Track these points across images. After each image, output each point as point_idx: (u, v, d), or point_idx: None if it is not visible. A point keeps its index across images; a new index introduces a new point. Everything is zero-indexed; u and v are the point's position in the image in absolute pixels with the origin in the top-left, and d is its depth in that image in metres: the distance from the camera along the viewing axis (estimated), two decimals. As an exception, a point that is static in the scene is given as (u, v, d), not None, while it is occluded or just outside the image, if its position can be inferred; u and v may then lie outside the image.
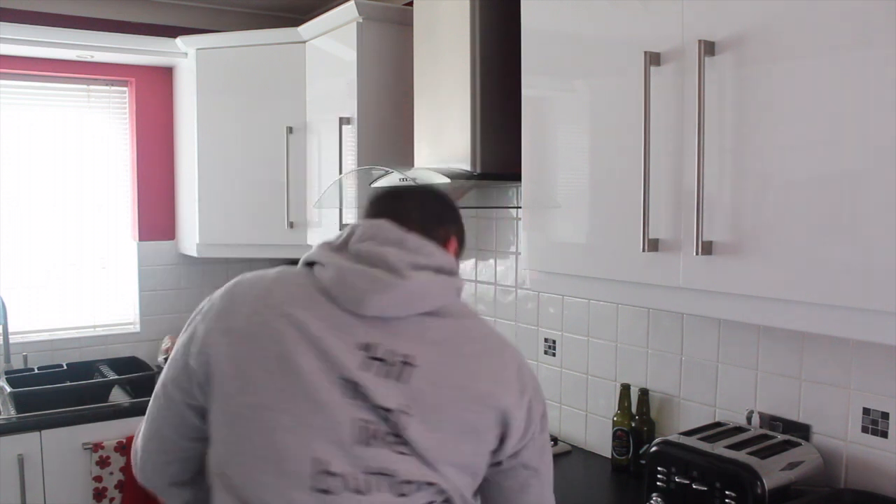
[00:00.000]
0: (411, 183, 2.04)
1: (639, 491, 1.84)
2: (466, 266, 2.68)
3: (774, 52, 1.26)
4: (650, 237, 1.47)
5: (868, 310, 1.16)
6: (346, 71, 2.60)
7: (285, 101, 2.91)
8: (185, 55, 3.14)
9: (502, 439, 1.14)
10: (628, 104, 1.51)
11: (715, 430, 1.70)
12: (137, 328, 3.43)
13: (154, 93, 3.40)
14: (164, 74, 3.40)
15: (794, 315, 1.27)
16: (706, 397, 1.88)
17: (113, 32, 3.13)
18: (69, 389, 2.82)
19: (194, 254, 3.19)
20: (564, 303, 2.30)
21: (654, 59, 1.44)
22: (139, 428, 1.29)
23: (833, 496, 1.52)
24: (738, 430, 1.70)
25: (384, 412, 1.05)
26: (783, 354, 1.71)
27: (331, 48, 2.73)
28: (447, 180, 2.03)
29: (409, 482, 1.06)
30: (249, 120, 3.00)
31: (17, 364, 3.08)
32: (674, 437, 1.67)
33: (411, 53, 2.36)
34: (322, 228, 2.82)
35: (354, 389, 1.06)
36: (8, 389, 2.76)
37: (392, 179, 2.21)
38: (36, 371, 3.03)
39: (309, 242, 2.91)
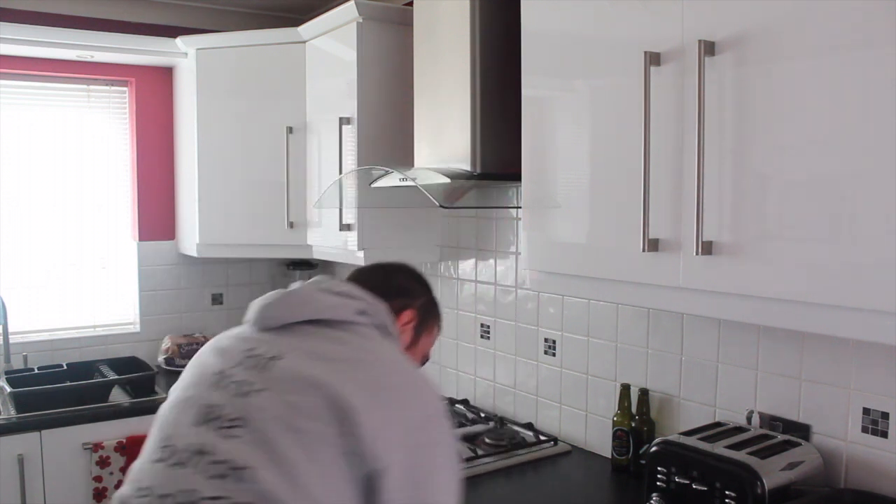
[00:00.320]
0: (411, 183, 2.04)
1: (639, 491, 1.84)
2: (466, 266, 2.69)
3: (774, 52, 1.26)
4: (650, 237, 1.47)
5: (868, 310, 1.16)
6: (346, 71, 2.60)
7: (285, 101, 2.91)
8: (185, 55, 3.14)
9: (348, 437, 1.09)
10: (628, 104, 1.51)
11: (715, 430, 1.70)
12: (137, 328, 3.43)
13: (154, 93, 3.40)
14: (164, 74, 3.40)
15: (794, 315, 1.27)
16: (706, 397, 1.88)
17: (113, 32, 3.13)
18: (69, 389, 2.82)
19: (194, 254, 3.18)
20: (564, 303, 2.30)
21: (654, 59, 1.44)
22: None
23: (833, 496, 1.52)
24: (738, 430, 1.70)
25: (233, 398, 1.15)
26: (783, 354, 1.71)
27: (331, 48, 2.73)
28: (447, 180, 2.03)
29: (222, 462, 1.08)
30: (249, 120, 3.00)
31: (17, 364, 3.08)
32: (674, 437, 1.67)
33: (411, 53, 2.36)
34: (322, 228, 2.82)
35: (220, 380, 1.19)
36: (8, 389, 2.76)
37: (392, 179, 2.21)
38: (36, 371, 3.02)
39: (309, 242, 2.91)
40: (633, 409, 2.01)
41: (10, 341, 3.01)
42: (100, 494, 2.69)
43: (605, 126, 1.62)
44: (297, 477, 1.04)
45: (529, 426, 2.35)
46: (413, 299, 1.42)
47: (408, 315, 1.39)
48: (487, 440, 2.22)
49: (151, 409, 1.66)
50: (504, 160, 2.05)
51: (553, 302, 2.33)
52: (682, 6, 1.41)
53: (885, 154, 1.12)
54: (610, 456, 2.07)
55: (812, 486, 1.54)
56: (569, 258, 1.72)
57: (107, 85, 3.34)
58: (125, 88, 3.38)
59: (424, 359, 1.49)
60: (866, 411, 1.56)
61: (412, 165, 2.35)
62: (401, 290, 1.41)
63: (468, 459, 2.07)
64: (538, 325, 2.40)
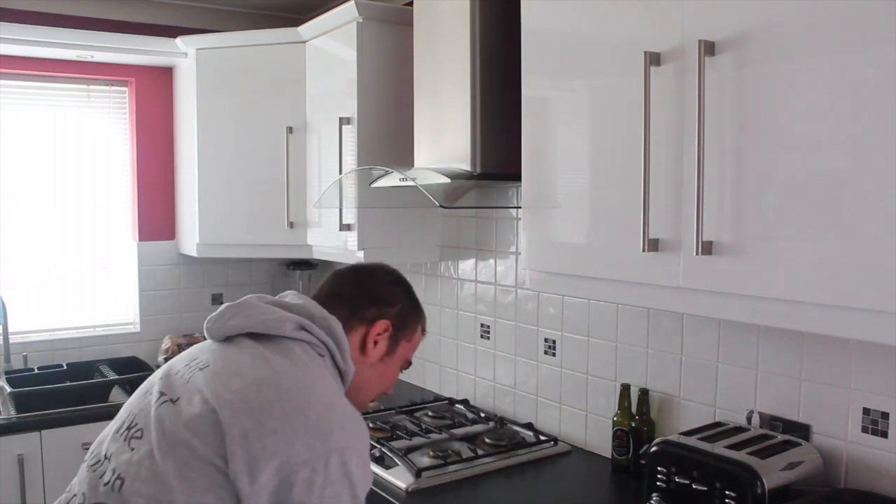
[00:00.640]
0: (411, 183, 2.04)
1: (639, 491, 1.84)
2: (466, 266, 2.69)
3: (774, 52, 1.26)
4: (650, 237, 1.47)
5: (868, 310, 1.16)
6: (346, 71, 2.60)
7: (285, 101, 2.91)
8: (185, 55, 3.14)
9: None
10: (628, 104, 1.51)
11: (715, 430, 1.70)
12: (137, 328, 3.43)
13: (154, 93, 3.40)
14: (164, 74, 3.40)
15: (795, 315, 1.27)
16: (706, 397, 1.88)
17: (113, 32, 3.13)
18: (69, 389, 2.82)
19: (194, 254, 3.18)
20: (564, 303, 2.30)
21: (654, 59, 1.44)
22: None
23: (833, 496, 1.52)
24: (738, 430, 1.70)
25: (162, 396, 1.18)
26: (783, 354, 1.71)
27: (331, 48, 2.73)
28: (447, 180, 2.03)
29: (115, 471, 1.14)
30: (249, 120, 3.00)
31: (17, 364, 3.08)
32: (674, 437, 1.67)
33: (411, 53, 2.36)
34: (322, 228, 2.82)
35: (149, 388, 1.24)
36: (8, 389, 2.76)
37: (392, 179, 2.21)
38: (36, 371, 3.02)
39: (309, 242, 2.91)
40: (633, 409, 2.01)
41: (10, 341, 3.02)
42: (100, 494, 2.69)
43: (604, 126, 1.62)
44: (166, 493, 1.06)
45: (529, 426, 2.35)
46: (389, 307, 1.37)
47: (381, 325, 1.35)
48: (487, 440, 2.22)
49: (151, 409, 1.66)
50: (504, 160, 2.05)
51: (553, 302, 2.33)
52: (682, 6, 1.41)
53: (885, 154, 1.12)
54: (610, 456, 2.07)
55: (812, 486, 1.54)
56: (569, 258, 1.72)
57: (107, 85, 3.34)
58: (125, 88, 3.38)
59: (406, 364, 1.44)
60: (866, 411, 1.56)
61: (412, 165, 2.35)
62: (375, 297, 1.36)
63: (468, 459, 2.08)
64: (538, 325, 2.40)
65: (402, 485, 1.94)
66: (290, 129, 2.90)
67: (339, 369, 1.27)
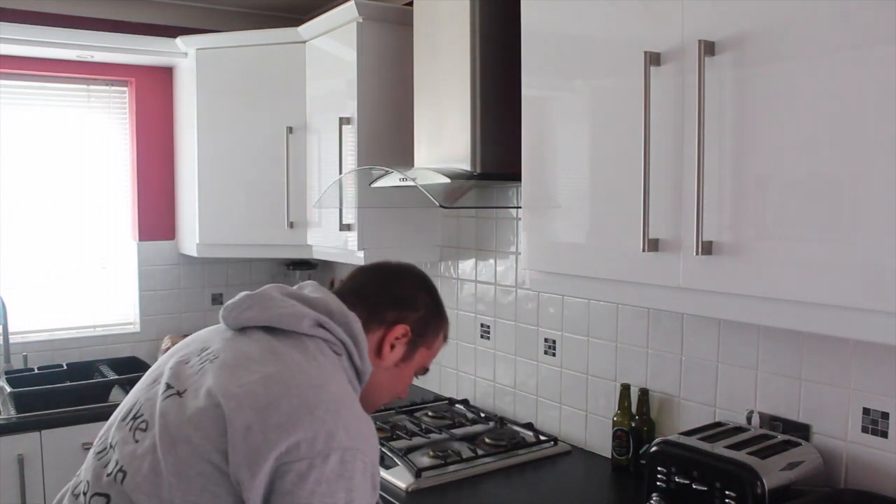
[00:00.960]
0: (411, 183, 2.04)
1: (639, 491, 1.84)
2: (466, 266, 2.69)
3: (774, 52, 1.26)
4: (650, 237, 1.47)
5: (868, 310, 1.16)
6: (346, 71, 2.60)
7: (285, 101, 2.91)
8: (185, 55, 3.14)
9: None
10: (628, 104, 1.51)
11: (715, 430, 1.70)
12: (137, 328, 3.43)
13: (154, 93, 3.40)
14: (164, 74, 3.40)
15: (794, 315, 1.27)
16: (706, 397, 1.88)
17: (113, 32, 3.13)
18: (69, 389, 2.82)
19: (194, 254, 3.18)
20: (564, 303, 2.30)
21: (654, 59, 1.44)
22: None
23: (833, 496, 1.52)
24: (738, 430, 1.70)
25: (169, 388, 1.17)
26: (783, 354, 1.71)
27: (331, 48, 2.73)
28: (447, 180, 2.03)
29: (117, 463, 1.14)
30: (249, 120, 3.00)
31: (17, 364, 3.08)
32: (674, 437, 1.67)
33: (411, 53, 2.36)
34: (322, 228, 2.82)
35: (157, 378, 1.22)
36: (8, 389, 2.76)
37: (392, 179, 2.21)
38: (36, 371, 3.02)
39: (309, 242, 2.91)
40: (633, 409, 2.01)
41: (10, 341, 3.02)
42: (100, 494, 2.69)
43: (604, 126, 1.62)
44: (165, 490, 1.05)
45: (529, 426, 2.35)
46: (411, 311, 1.32)
47: (400, 330, 1.30)
48: (487, 440, 2.22)
49: (151, 409, 1.66)
50: (504, 160, 2.05)
51: (553, 302, 2.33)
52: (682, 6, 1.41)
53: (885, 154, 1.12)
54: (610, 456, 2.07)
55: (812, 486, 1.54)
56: (569, 258, 1.72)
57: (107, 85, 3.34)
58: (125, 88, 3.38)
59: (423, 370, 1.40)
60: (866, 411, 1.56)
61: (412, 165, 2.35)
62: (397, 300, 1.31)
63: (468, 459, 2.08)
64: (538, 325, 2.40)
65: (402, 485, 1.94)
66: (290, 129, 2.90)
67: (356, 369, 1.24)
